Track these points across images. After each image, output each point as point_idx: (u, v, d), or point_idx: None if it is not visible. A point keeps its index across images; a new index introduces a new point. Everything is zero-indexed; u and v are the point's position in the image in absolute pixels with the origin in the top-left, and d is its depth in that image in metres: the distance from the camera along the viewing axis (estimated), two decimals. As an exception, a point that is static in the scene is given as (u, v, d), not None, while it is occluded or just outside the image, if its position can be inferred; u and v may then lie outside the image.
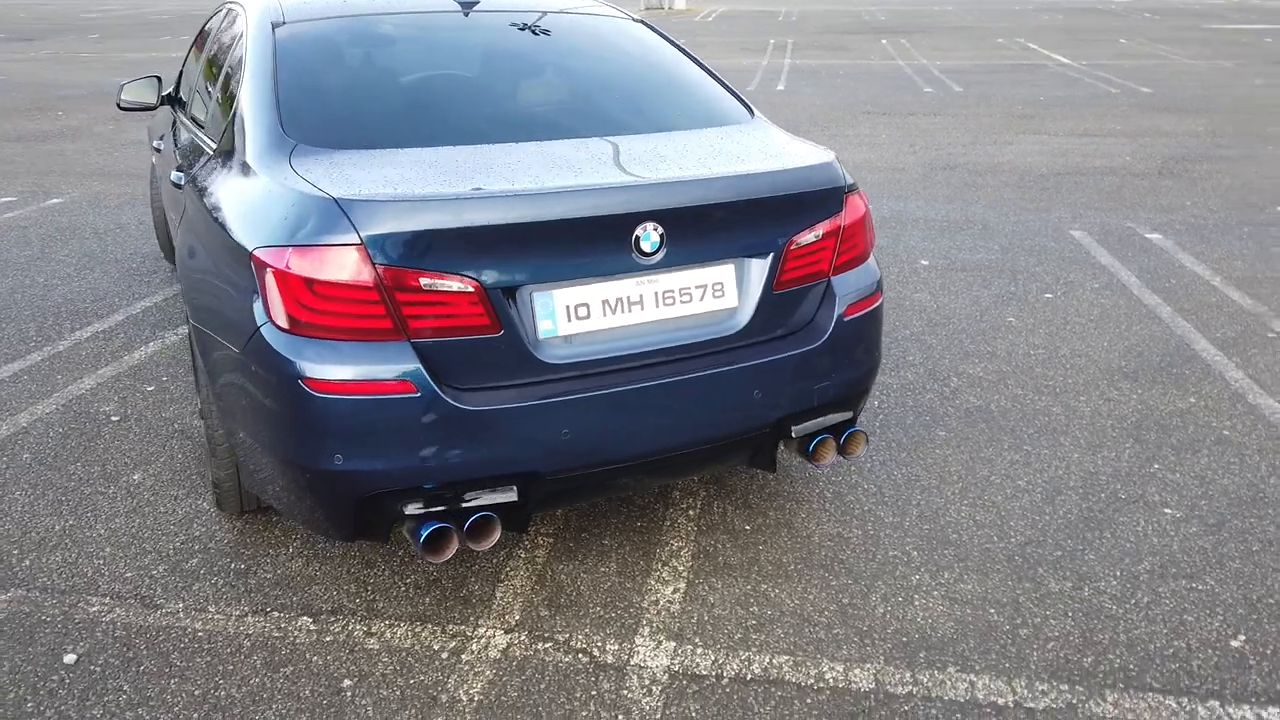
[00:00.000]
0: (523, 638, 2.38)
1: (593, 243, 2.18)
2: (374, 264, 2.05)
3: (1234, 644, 2.34)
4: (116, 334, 4.34)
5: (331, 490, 2.17)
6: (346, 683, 2.24)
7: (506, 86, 2.80)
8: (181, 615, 2.47)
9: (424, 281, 2.07)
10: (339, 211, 2.06)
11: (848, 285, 2.55)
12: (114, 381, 3.85)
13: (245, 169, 2.41)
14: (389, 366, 2.08)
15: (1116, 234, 5.89)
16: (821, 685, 2.22)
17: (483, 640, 2.37)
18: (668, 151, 2.45)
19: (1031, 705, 2.15)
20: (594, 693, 2.20)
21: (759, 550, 2.73)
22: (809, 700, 2.17)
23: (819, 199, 2.44)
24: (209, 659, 2.31)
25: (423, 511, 2.17)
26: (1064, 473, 3.13)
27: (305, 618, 2.47)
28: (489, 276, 2.11)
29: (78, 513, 2.94)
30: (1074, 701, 2.16)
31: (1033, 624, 2.41)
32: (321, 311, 2.08)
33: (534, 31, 3.04)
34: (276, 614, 2.48)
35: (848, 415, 2.59)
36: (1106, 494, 3.01)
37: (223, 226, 2.36)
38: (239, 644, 2.36)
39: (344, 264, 2.05)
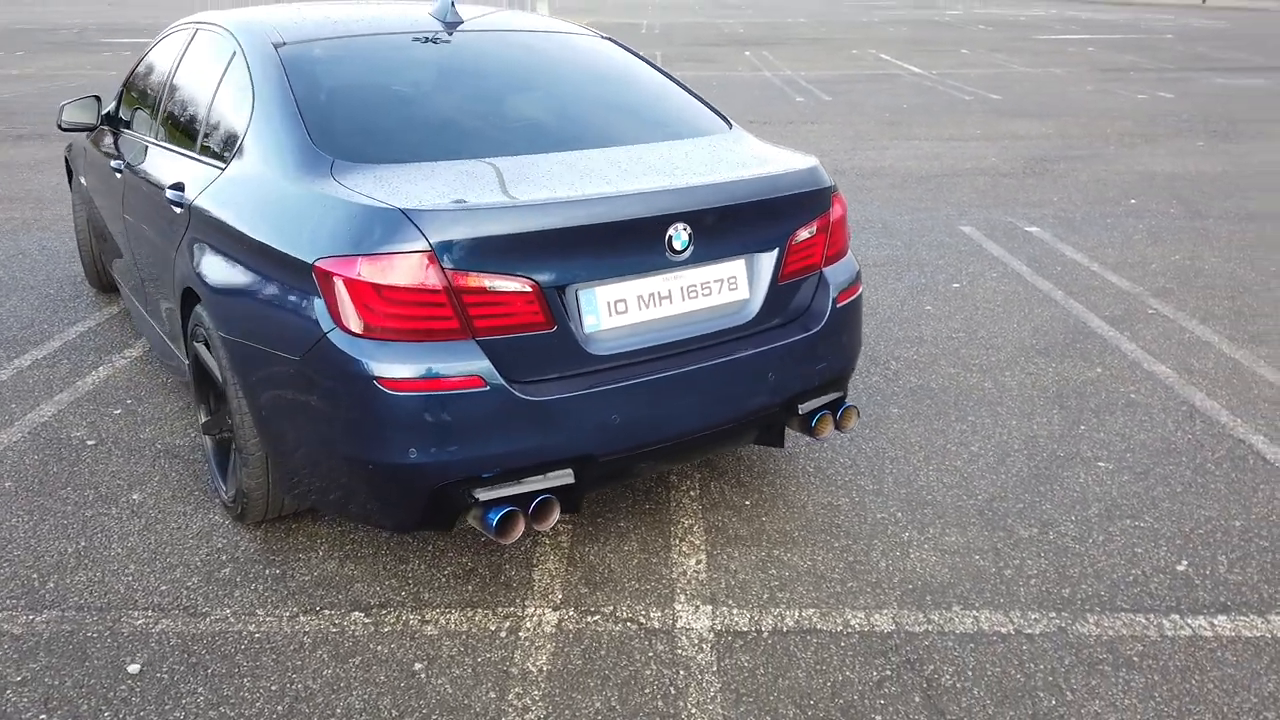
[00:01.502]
0: (571, 613, 2.57)
1: (631, 242, 2.39)
2: (442, 268, 2.20)
3: (1180, 568, 2.75)
4: (59, 361, 4.24)
5: (403, 483, 2.31)
6: (418, 666, 2.37)
7: (514, 101, 2.97)
8: (232, 620, 2.53)
9: (488, 283, 2.24)
10: (406, 221, 2.20)
11: (837, 275, 2.85)
12: (75, 407, 3.78)
13: (280, 185, 2.50)
14: (459, 363, 2.23)
15: (1000, 228, 6.48)
16: (850, 630, 2.49)
17: (534, 619, 2.54)
18: (677, 159, 2.69)
19: (1029, 632, 2.49)
20: (650, 654, 2.41)
21: (763, 521, 2.99)
22: (842, 644, 2.44)
23: (813, 198, 2.73)
24: (275, 657, 2.40)
25: (491, 497, 2.33)
26: (1007, 437, 3.53)
27: (357, 613, 2.57)
28: (543, 277, 2.30)
29: (86, 534, 2.93)
30: (1062, 625, 2.51)
31: (1014, 565, 2.76)
32: (392, 315, 2.22)
33: (524, 50, 3.23)
34: (328, 611, 2.58)
35: (841, 393, 2.89)
36: (1047, 453, 3.41)
37: (262, 242, 2.45)
38: (300, 641, 2.46)
39: (414, 269, 2.19)
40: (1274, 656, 2.38)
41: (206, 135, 3.07)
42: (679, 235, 2.44)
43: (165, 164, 3.28)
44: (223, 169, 2.84)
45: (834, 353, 2.80)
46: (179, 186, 3.04)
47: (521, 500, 2.36)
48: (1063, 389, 3.95)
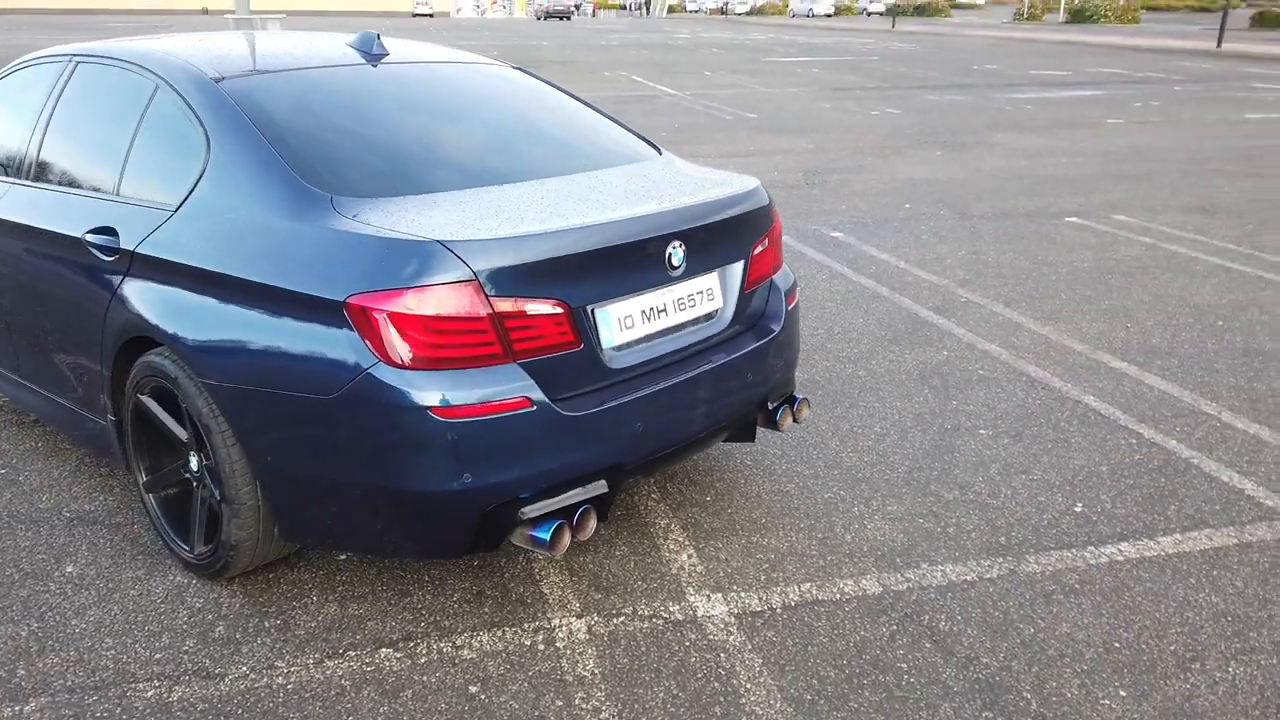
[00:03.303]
0: (596, 619, 2.68)
1: (640, 261, 2.56)
2: (485, 296, 2.27)
3: (1078, 509, 3.27)
4: (-111, 434, 3.73)
5: (456, 509, 2.33)
6: (473, 689, 2.40)
7: (478, 132, 3.02)
8: (254, 677, 2.43)
9: (526, 308, 2.33)
10: (447, 252, 2.24)
11: (784, 282, 3.15)
12: (-61, 483, 3.37)
13: (273, 224, 2.44)
14: (507, 386, 2.30)
15: (810, 235, 7.11)
16: (847, 597, 2.79)
17: (564, 629, 2.63)
18: (652, 182, 2.88)
19: (989, 576, 2.89)
20: (687, 643, 2.58)
21: (730, 514, 3.23)
22: (846, 609, 2.73)
23: (764, 213, 3.00)
24: (319, 704, 2.34)
25: (537, 514, 2.41)
26: (899, 416, 3.99)
27: (385, 649, 2.55)
28: (571, 298, 2.41)
29: (34, 615, 2.67)
30: (1011, 568, 2.93)
31: (953, 524, 3.18)
32: (439, 345, 2.25)
33: (467, 81, 3.28)
34: (353, 652, 2.53)
35: (793, 388, 3.19)
36: (936, 427, 3.90)
37: (263, 283, 2.38)
38: (339, 685, 2.41)
39: (460, 299, 2.24)
40: (1174, 569, 2.92)
41: (132, 177, 2.88)
42: (676, 252, 2.63)
43: (64, 210, 3.03)
44: (172, 211, 2.70)
45: (791, 351, 3.10)
46: (105, 231, 2.84)
47: (564, 513, 2.46)
48: (924, 371, 4.48)
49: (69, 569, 2.89)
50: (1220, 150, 10.98)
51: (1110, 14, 49.36)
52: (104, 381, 2.95)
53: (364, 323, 2.26)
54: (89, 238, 2.87)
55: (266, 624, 2.64)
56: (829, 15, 60.87)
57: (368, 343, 2.26)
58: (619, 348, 2.57)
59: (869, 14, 62.06)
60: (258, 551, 2.67)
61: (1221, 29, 29.26)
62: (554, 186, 2.73)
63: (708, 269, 2.80)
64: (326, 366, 2.31)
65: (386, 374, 2.25)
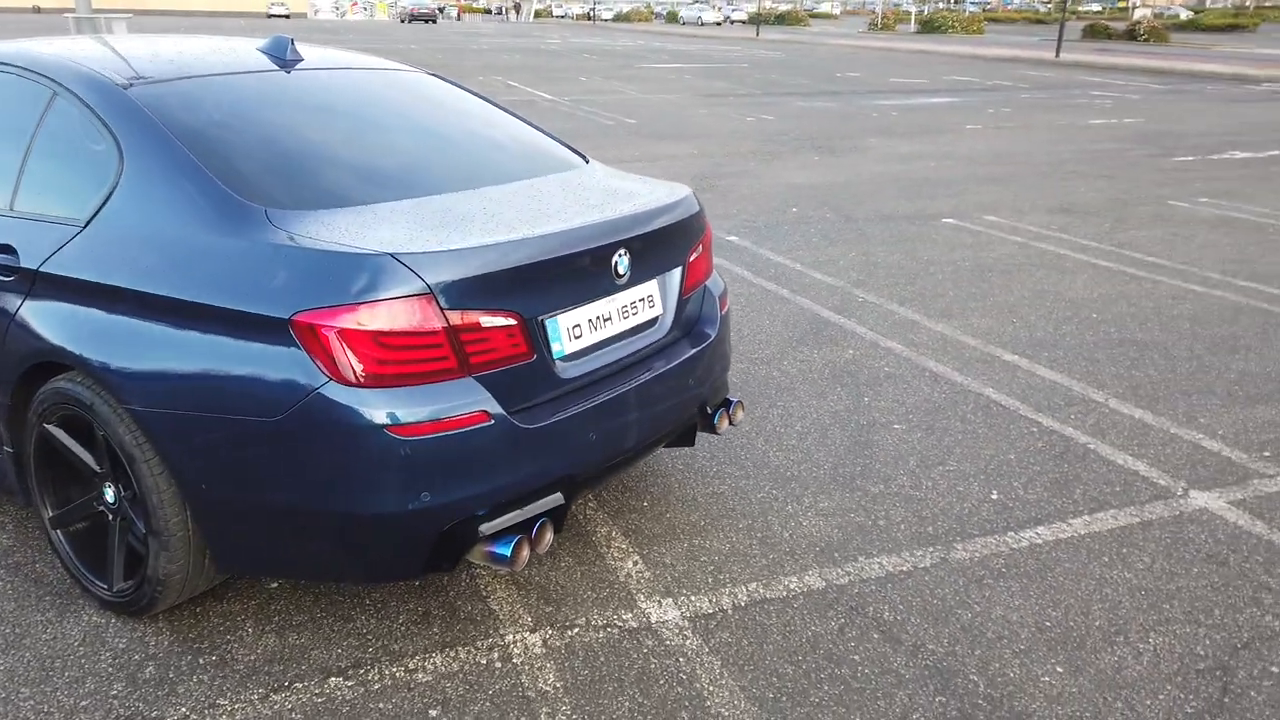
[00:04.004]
0: (550, 632, 2.65)
1: (588, 270, 2.54)
2: (440, 309, 2.21)
3: (994, 497, 3.43)
4: None
5: (413, 529, 2.26)
6: (433, 712, 2.34)
7: (406, 140, 2.93)
8: (195, 718, 2.30)
9: (480, 320, 2.28)
10: (400, 265, 2.18)
11: (716, 287, 3.19)
12: None
13: (202, 239, 2.31)
14: (464, 400, 2.25)
15: (705, 239, 7.21)
16: (794, 594, 2.84)
17: (519, 644, 2.59)
18: (583, 192, 2.86)
19: (923, 565, 3.00)
20: (645, 650, 2.58)
21: (669, 518, 3.24)
22: (795, 605, 2.78)
23: (697, 221, 3.03)
24: (273, 741, 2.23)
25: (496, 529, 2.36)
26: (817, 414, 4.09)
27: (334, 678, 2.45)
28: (524, 309, 2.38)
29: (-66, 668, 2.45)
30: (942, 556, 3.05)
31: (883, 517, 3.28)
32: (392, 361, 2.18)
33: (391, 89, 3.18)
34: (300, 684, 2.42)
35: (727, 392, 3.23)
36: (853, 424, 4.02)
37: (195, 302, 2.26)
38: (290, 719, 2.30)
39: (414, 313, 2.18)
40: (1088, 549, 3.10)
41: (30, 191, 2.68)
42: (622, 260, 2.63)
43: None
44: (81, 226, 2.52)
45: (726, 355, 3.14)
46: (0, 249, 2.63)
47: (522, 527, 2.42)
48: (834, 370, 4.62)
49: (-32, 616, 2.66)
50: (1073, 153, 11.71)
51: (957, 25, 51.98)
52: (1, 411, 2.73)
53: (311, 340, 2.16)
54: (-14, 258, 2.65)
55: (201, 660, 2.50)
56: (718, 24, 62.55)
57: (316, 361, 2.17)
58: (568, 357, 2.55)
59: (731, 21, 63.80)
60: (187, 584, 2.53)
61: (1059, 40, 31.23)
62: (494, 196, 2.69)
63: (648, 277, 2.81)
64: (270, 387, 2.20)
65: (338, 393, 2.16)
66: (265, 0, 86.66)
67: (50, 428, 2.62)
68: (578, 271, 2.52)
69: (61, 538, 2.74)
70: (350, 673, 2.47)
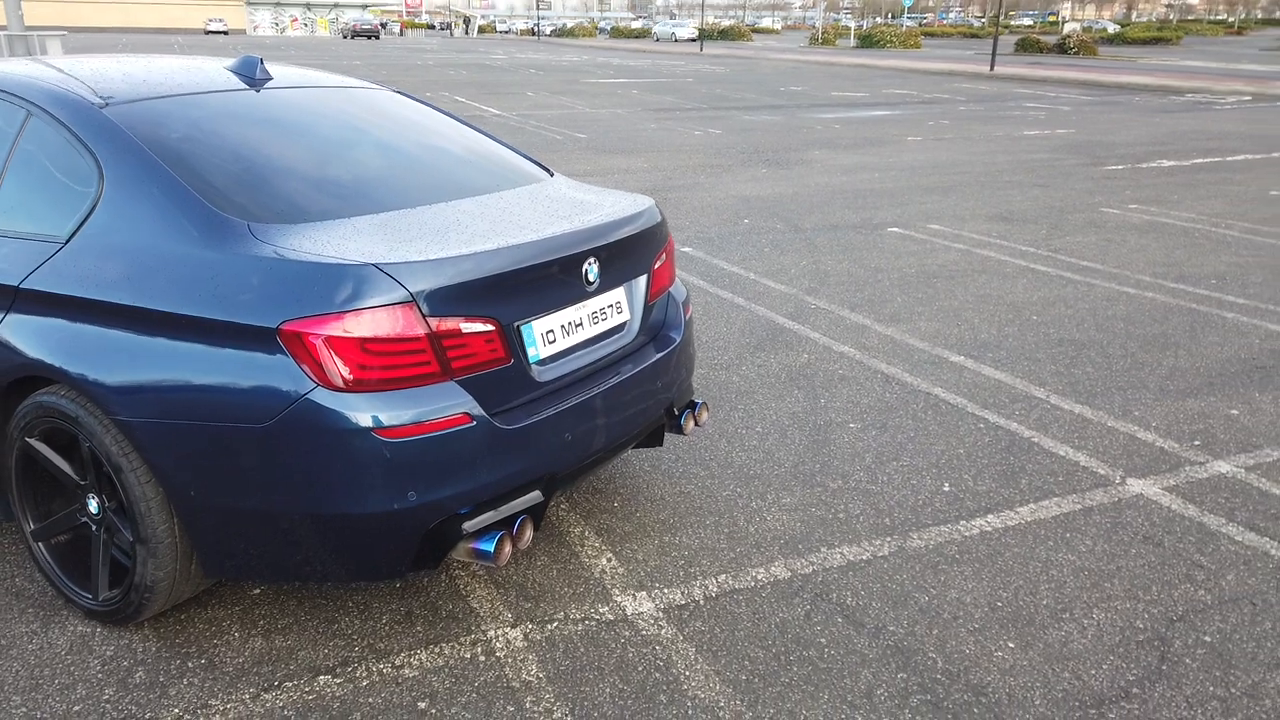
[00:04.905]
0: (530, 626, 2.75)
1: (560, 277, 2.66)
2: (422, 316, 2.31)
3: (945, 489, 3.61)
4: None
5: (400, 528, 2.35)
6: (422, 704, 2.43)
7: (378, 155, 3.02)
8: (188, 718, 2.36)
9: (460, 326, 2.39)
10: (383, 275, 2.28)
11: (679, 294, 3.33)
12: None
13: (186, 253, 2.39)
14: (447, 403, 2.35)
15: (659, 250, 7.36)
16: (761, 584, 2.98)
17: (500, 639, 2.69)
18: (551, 203, 2.98)
19: (882, 554, 3.16)
20: (622, 640, 2.69)
21: (639, 517, 3.37)
22: (763, 595, 2.92)
23: (660, 230, 3.17)
24: (267, 737, 2.30)
25: (479, 527, 2.46)
26: (776, 416, 4.25)
27: (323, 676, 2.52)
28: (501, 316, 2.49)
29: (-79, 681, 2.48)
30: (900, 545, 3.22)
31: (842, 510, 3.44)
32: (377, 366, 2.28)
33: (360, 106, 3.28)
34: (290, 683, 2.49)
35: (692, 394, 3.37)
36: (811, 424, 4.18)
37: (182, 314, 2.33)
38: (283, 716, 2.37)
39: (398, 320, 2.28)
40: (1035, 535, 3.29)
41: (3, 210, 2.72)
42: (592, 268, 2.75)
43: None
44: (61, 243, 2.58)
45: (690, 358, 3.28)
46: (-22, 265, 2.67)
47: (503, 524, 2.53)
48: (790, 373, 4.78)
49: (-50, 629, 2.69)
50: (1009, 164, 12.12)
51: (895, 40, 53.15)
52: (-23, 428, 2.77)
53: (299, 348, 2.25)
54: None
55: (190, 664, 2.56)
56: (692, 39, 63.00)
57: (304, 368, 2.26)
58: (543, 361, 2.66)
59: (676, 39, 64.60)
60: (174, 591, 2.59)
61: (993, 54, 32.13)
62: (466, 208, 2.80)
63: (616, 284, 2.93)
64: (259, 394, 2.28)
65: (326, 398, 2.26)
66: (202, 17, 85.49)
67: (32, 441, 2.66)
68: (550, 279, 2.64)
69: (44, 550, 2.78)
70: (338, 670, 2.54)
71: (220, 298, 2.32)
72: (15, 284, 2.60)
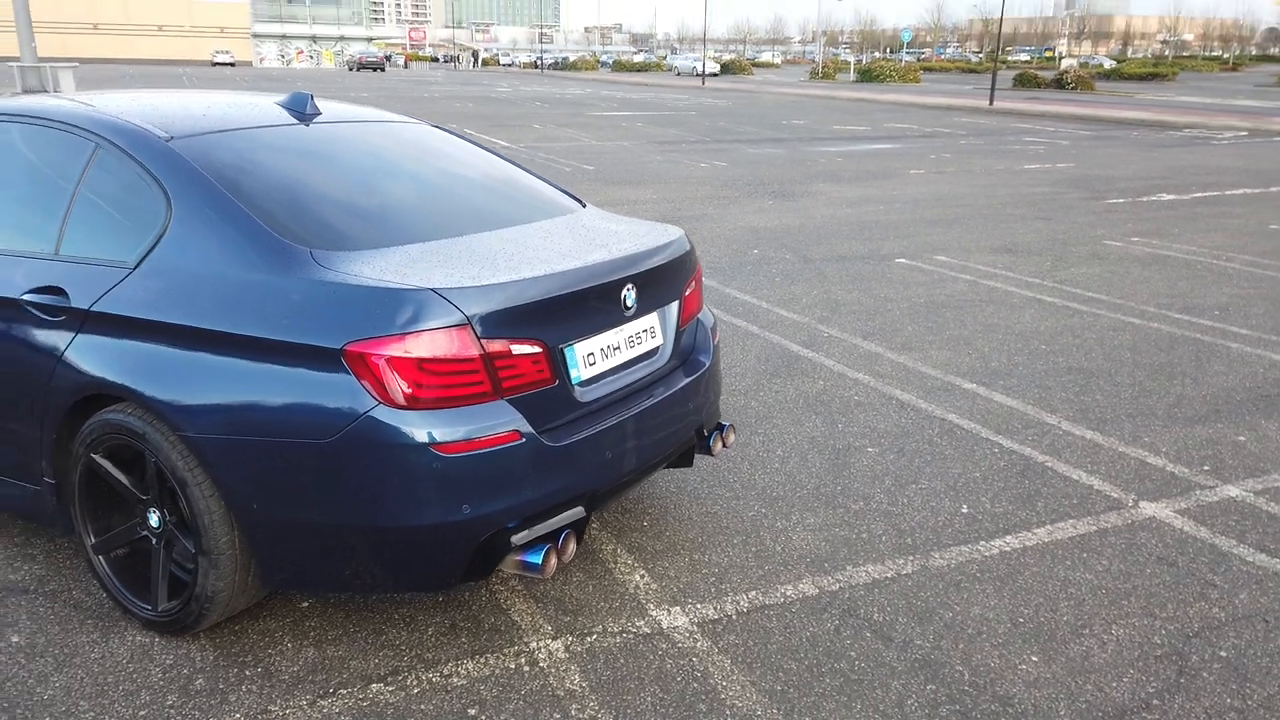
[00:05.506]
0: (571, 639, 2.86)
1: (601, 303, 2.80)
2: (477, 338, 2.45)
3: (964, 511, 3.73)
4: None
5: (454, 540, 2.47)
6: (471, 711, 2.53)
7: (430, 186, 3.18)
8: (251, 722, 2.46)
9: (512, 348, 2.52)
10: (441, 299, 2.41)
11: (708, 320, 3.46)
12: None
13: (254, 278, 2.53)
14: (499, 420, 2.48)
15: (673, 280, 7.51)
16: (790, 600, 3.09)
17: (543, 650, 2.80)
18: (588, 233, 3.13)
19: (905, 572, 3.27)
20: (660, 652, 2.80)
21: (669, 536, 3.48)
22: (793, 610, 3.03)
23: (690, 258, 3.32)
24: (326, 741, 2.40)
25: (527, 540, 2.58)
26: (796, 440, 4.37)
27: (375, 684, 2.63)
28: (547, 338, 2.63)
29: (-9, 687, 2.58)
30: (922, 564, 3.33)
31: (865, 530, 3.55)
32: (435, 385, 2.41)
33: (407, 140, 3.43)
34: (345, 691, 2.60)
35: (720, 416, 3.50)
36: (830, 447, 4.31)
37: (251, 335, 2.46)
38: (340, 722, 2.48)
39: (454, 342, 2.41)
40: (1053, 555, 3.40)
41: (75, 237, 2.87)
42: (630, 294, 2.89)
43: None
44: (130, 269, 2.72)
45: (718, 382, 3.41)
46: (49, 291, 2.81)
47: (548, 538, 2.65)
48: (806, 400, 4.91)
49: (14, 639, 2.79)
50: (1011, 197, 12.32)
51: (895, 74, 53.81)
52: (44, 444, 2.89)
53: (363, 368, 2.39)
54: (29, 298, 2.82)
55: (247, 673, 2.66)
56: (715, 74, 63.51)
57: (367, 386, 2.39)
58: (584, 383, 2.79)
59: (697, 73, 65.58)
60: (231, 602, 2.70)
61: (992, 89, 32.57)
62: (510, 236, 2.94)
63: (650, 309, 3.07)
64: (323, 411, 2.41)
65: (387, 415, 2.38)
66: (208, 49, 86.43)
67: (97, 457, 2.78)
68: (592, 304, 2.78)
69: (104, 563, 2.89)
70: (390, 679, 2.65)
71: (285, 320, 2.46)
72: (86, 307, 2.74)
